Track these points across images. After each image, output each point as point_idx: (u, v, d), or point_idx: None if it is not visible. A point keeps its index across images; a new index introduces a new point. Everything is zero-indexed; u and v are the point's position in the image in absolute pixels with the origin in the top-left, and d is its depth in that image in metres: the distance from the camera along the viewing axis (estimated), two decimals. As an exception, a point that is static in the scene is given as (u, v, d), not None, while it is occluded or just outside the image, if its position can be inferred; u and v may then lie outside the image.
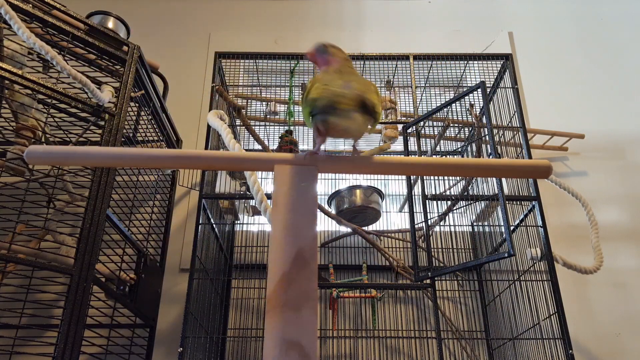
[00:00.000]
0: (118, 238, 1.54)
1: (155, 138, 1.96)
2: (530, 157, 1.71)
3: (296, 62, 1.98)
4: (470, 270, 2.00)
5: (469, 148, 2.01)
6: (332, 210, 1.93)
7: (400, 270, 1.83)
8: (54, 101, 1.42)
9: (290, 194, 0.54)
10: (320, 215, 1.89)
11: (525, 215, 1.67)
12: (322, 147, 0.60)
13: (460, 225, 2.01)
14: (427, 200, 1.67)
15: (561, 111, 2.40)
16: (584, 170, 2.27)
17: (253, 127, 1.93)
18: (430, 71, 2.01)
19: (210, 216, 1.72)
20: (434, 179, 1.77)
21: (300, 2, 2.73)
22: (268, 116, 2.03)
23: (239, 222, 2.04)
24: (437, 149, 1.99)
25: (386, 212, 2.04)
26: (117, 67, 1.63)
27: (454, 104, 1.75)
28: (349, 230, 1.90)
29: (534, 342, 1.59)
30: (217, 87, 1.83)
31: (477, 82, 1.67)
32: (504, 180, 1.67)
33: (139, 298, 1.59)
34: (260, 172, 1.85)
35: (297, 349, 0.47)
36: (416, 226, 1.68)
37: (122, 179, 1.63)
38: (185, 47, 2.55)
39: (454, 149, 2.08)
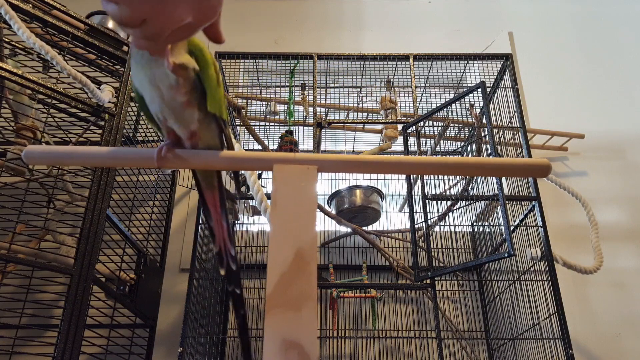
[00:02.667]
0: (118, 238, 1.54)
1: (155, 138, 1.96)
2: (530, 157, 1.71)
3: (296, 62, 1.98)
4: (470, 270, 2.00)
5: (469, 148, 2.01)
6: (332, 210, 1.93)
7: (400, 270, 1.83)
8: (54, 101, 1.42)
9: (289, 193, 0.54)
10: (320, 215, 1.89)
11: (525, 215, 1.67)
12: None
13: (460, 225, 2.01)
14: (427, 200, 1.67)
15: (561, 111, 2.40)
16: (584, 170, 2.27)
17: (253, 127, 1.93)
18: (430, 71, 2.01)
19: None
20: (434, 179, 1.77)
21: (300, 2, 2.73)
22: (268, 116, 2.03)
23: (239, 222, 2.04)
24: (437, 149, 1.99)
25: (386, 212, 2.04)
26: (117, 67, 1.63)
27: (454, 104, 1.75)
28: (349, 230, 1.90)
29: (534, 342, 1.59)
30: (217, 87, 1.83)
31: (477, 82, 1.67)
32: (504, 180, 1.67)
33: (139, 298, 1.59)
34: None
35: (297, 349, 0.47)
36: (416, 226, 1.68)
37: (122, 179, 1.63)
38: (185, 47, 2.55)
39: (454, 149, 2.08)
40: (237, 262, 0.65)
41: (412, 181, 1.78)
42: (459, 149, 2.06)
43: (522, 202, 1.69)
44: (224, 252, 0.64)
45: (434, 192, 1.74)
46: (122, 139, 1.50)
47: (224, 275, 0.65)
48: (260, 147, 1.97)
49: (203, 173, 0.63)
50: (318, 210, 1.81)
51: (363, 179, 2.04)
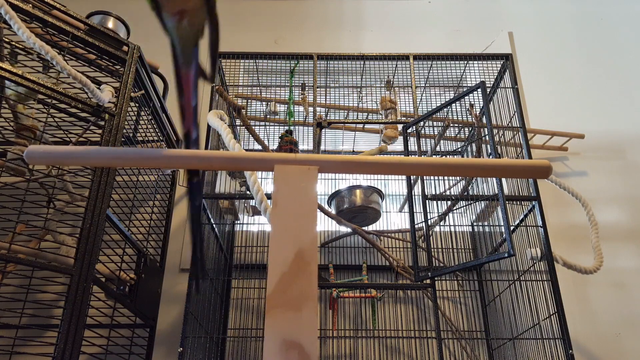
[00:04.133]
0: (118, 238, 1.54)
1: (155, 138, 1.96)
2: (530, 157, 1.71)
3: (296, 62, 1.98)
4: (470, 270, 2.00)
5: (469, 148, 2.01)
6: (332, 210, 1.93)
7: (400, 270, 1.83)
8: (54, 101, 1.42)
9: (290, 194, 0.54)
10: (320, 215, 1.89)
11: (525, 215, 1.67)
12: None
13: (460, 225, 2.01)
14: (427, 200, 1.67)
15: (561, 111, 2.40)
16: (584, 170, 2.27)
17: (253, 127, 1.93)
18: (430, 71, 2.01)
19: (210, 216, 1.72)
20: (434, 179, 1.77)
21: (300, 2, 2.73)
22: (268, 116, 2.03)
23: (239, 222, 2.04)
24: (437, 149, 1.99)
25: (386, 212, 2.04)
26: (117, 67, 1.63)
27: (454, 104, 1.75)
28: (349, 230, 1.90)
29: (534, 342, 1.59)
30: (217, 87, 1.83)
31: (477, 82, 1.67)
32: (504, 180, 1.67)
33: (139, 298, 1.59)
34: (260, 172, 1.85)
35: (297, 349, 0.47)
36: (416, 226, 1.68)
37: (122, 179, 1.63)
38: (185, 47, 2.55)
39: (454, 149, 2.08)
40: (198, 146, 0.67)
41: (412, 181, 1.78)
42: (459, 149, 2.06)
43: (522, 202, 1.69)
44: (190, 133, 0.65)
45: (434, 192, 1.74)
46: (122, 139, 1.50)
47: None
48: (260, 147, 1.97)
49: (182, 47, 0.61)
50: (318, 210, 1.82)
51: (363, 179, 2.04)
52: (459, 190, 1.93)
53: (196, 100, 0.65)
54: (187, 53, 0.61)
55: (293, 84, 2.00)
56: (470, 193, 1.87)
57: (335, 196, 1.94)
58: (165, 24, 0.59)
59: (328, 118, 2.02)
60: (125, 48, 1.59)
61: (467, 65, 2.00)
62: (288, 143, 1.75)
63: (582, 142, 2.28)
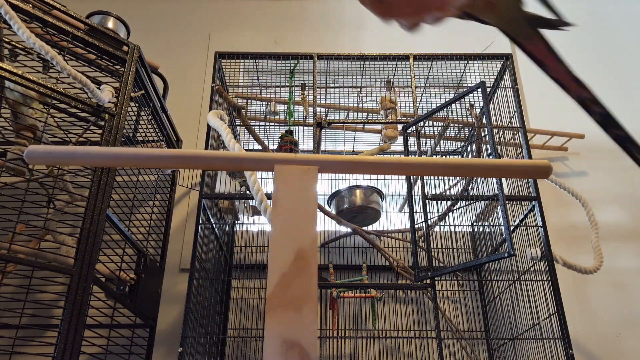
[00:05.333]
0: (118, 238, 1.54)
1: (155, 138, 1.96)
2: (530, 157, 1.71)
3: (296, 62, 1.98)
4: (470, 270, 2.00)
5: (469, 148, 2.01)
6: (332, 210, 1.93)
7: (400, 270, 1.83)
8: (54, 101, 1.42)
9: (290, 194, 0.54)
10: (320, 215, 1.89)
11: (525, 215, 1.67)
12: None
13: (460, 225, 2.01)
14: (427, 200, 1.67)
15: (561, 111, 2.40)
16: (584, 170, 2.27)
17: (253, 127, 1.93)
18: (430, 71, 2.01)
19: (210, 216, 1.72)
20: (434, 179, 1.77)
21: (300, 2, 2.73)
22: (268, 116, 2.03)
23: (239, 222, 2.04)
24: (437, 149, 1.99)
25: (386, 212, 2.04)
26: (117, 67, 1.63)
27: (454, 104, 1.75)
28: (349, 230, 1.90)
29: (534, 342, 1.59)
30: (217, 87, 1.83)
31: (477, 82, 1.67)
32: (504, 180, 1.67)
33: (139, 298, 1.59)
34: (260, 172, 1.85)
35: (297, 349, 0.47)
36: (416, 226, 1.68)
37: (122, 179, 1.63)
38: (185, 47, 2.55)
39: (454, 149, 2.08)
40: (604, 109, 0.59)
41: (412, 181, 1.78)
42: (459, 149, 2.06)
43: (522, 202, 1.69)
44: (582, 97, 0.60)
45: (434, 192, 1.74)
46: (122, 139, 1.50)
47: (603, 115, 0.60)
48: (260, 147, 1.97)
49: (512, 28, 0.60)
50: (318, 210, 1.81)
51: (363, 179, 2.04)
52: (459, 190, 1.93)
53: (563, 63, 0.61)
54: (520, 29, 0.60)
55: (293, 84, 2.00)
56: (470, 193, 1.87)
57: (335, 196, 1.94)
58: (484, 21, 0.59)
59: (328, 118, 2.02)
60: (125, 48, 1.59)
61: (467, 65, 2.00)
62: (288, 143, 1.75)
63: (582, 142, 2.28)
